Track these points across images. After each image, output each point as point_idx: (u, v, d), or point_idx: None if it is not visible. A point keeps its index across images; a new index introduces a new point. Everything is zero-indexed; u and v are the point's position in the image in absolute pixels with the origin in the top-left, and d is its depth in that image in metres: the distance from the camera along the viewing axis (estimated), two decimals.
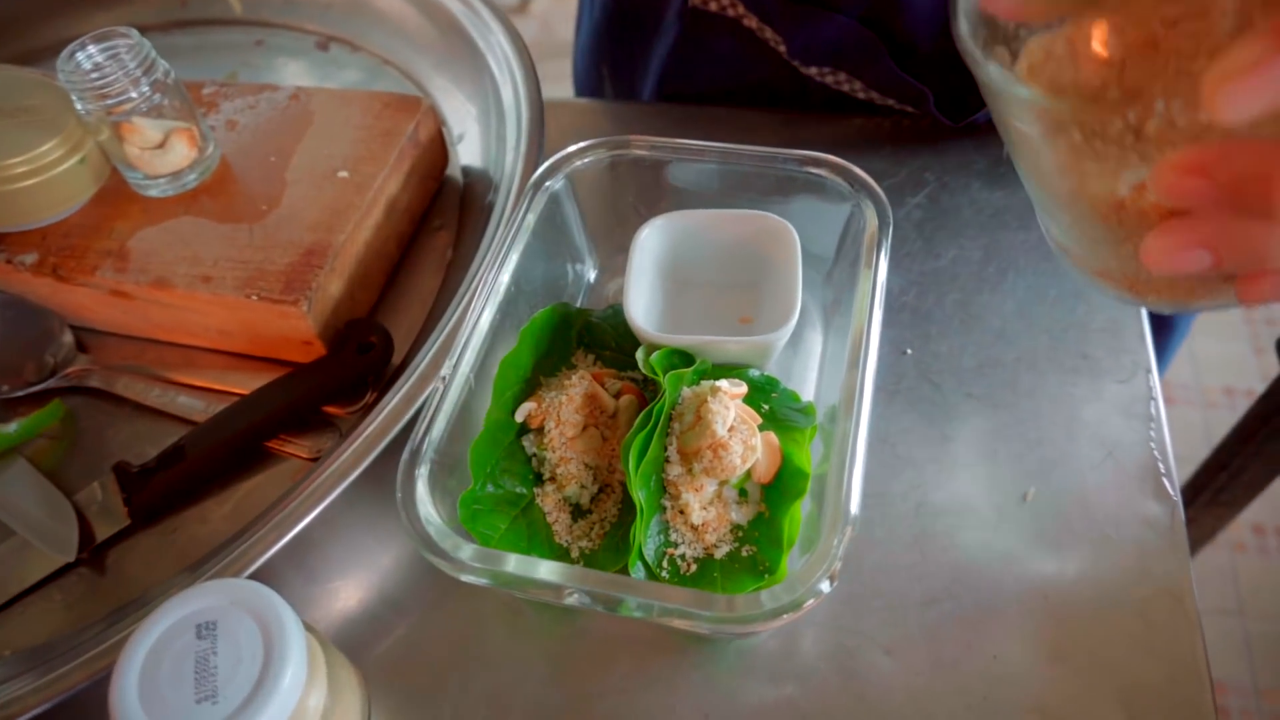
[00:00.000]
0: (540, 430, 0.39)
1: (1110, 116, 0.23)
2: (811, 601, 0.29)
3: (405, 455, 0.34)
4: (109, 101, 0.44)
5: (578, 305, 0.46)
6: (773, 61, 0.56)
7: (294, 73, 0.64)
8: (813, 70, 0.55)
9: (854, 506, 0.31)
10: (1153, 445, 0.40)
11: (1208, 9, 0.20)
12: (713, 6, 0.55)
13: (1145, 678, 0.34)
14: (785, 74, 0.56)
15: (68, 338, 0.47)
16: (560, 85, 0.72)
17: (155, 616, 0.29)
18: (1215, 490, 0.61)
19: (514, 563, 0.31)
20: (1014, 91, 0.24)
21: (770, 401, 0.40)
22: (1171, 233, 0.22)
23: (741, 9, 0.54)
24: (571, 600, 0.31)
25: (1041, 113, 0.24)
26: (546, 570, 0.31)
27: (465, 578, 0.31)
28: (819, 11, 0.51)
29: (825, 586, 0.29)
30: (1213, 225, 0.22)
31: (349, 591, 0.40)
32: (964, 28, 0.25)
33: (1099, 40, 0.23)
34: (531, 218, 0.42)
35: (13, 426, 0.44)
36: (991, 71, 0.24)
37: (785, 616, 0.29)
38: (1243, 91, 0.18)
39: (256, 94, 0.52)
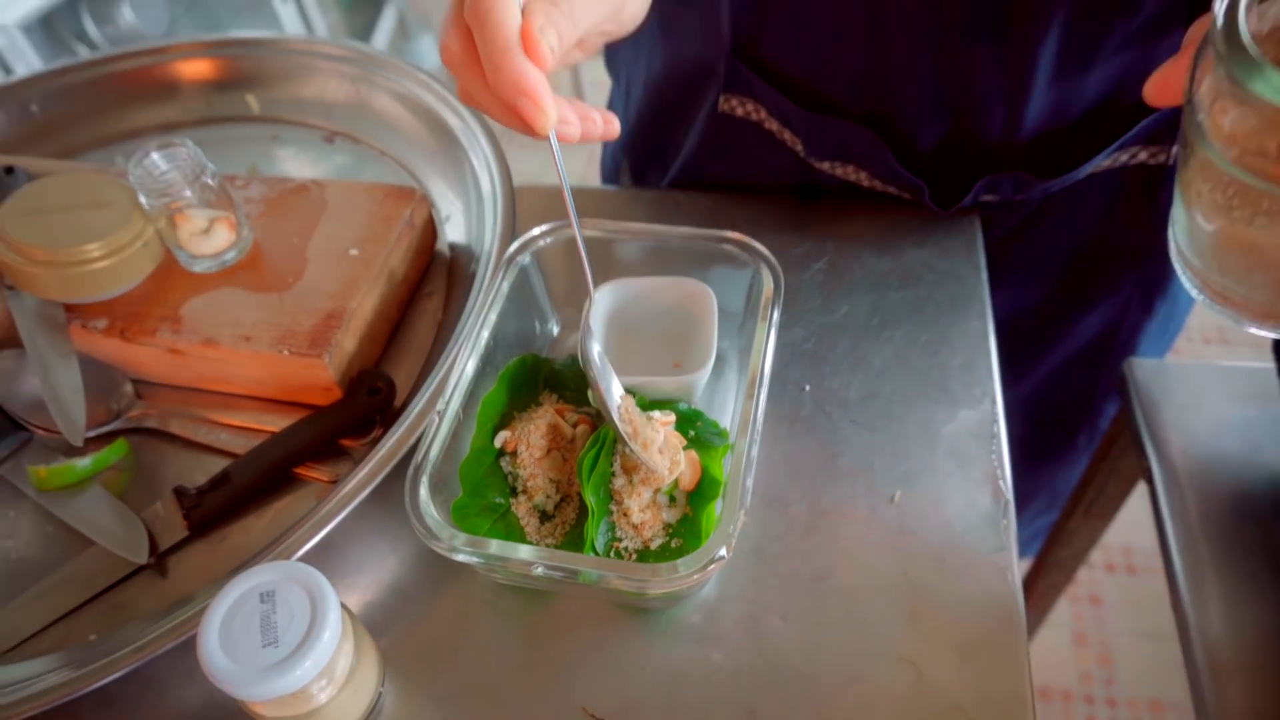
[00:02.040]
0: (514, 453, 0.50)
1: None
2: (713, 566, 0.40)
3: (411, 470, 0.44)
4: (168, 198, 0.55)
5: (544, 355, 0.57)
6: (789, 157, 0.66)
7: (304, 162, 0.76)
8: (824, 165, 0.65)
9: (746, 499, 0.42)
10: (993, 457, 0.52)
11: None
12: (739, 112, 0.65)
13: (976, 630, 0.45)
14: (799, 167, 0.66)
15: (128, 387, 0.58)
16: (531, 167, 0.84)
17: (229, 587, 0.40)
18: (1087, 504, 0.72)
19: (496, 546, 0.42)
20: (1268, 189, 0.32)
21: (695, 428, 0.51)
22: None
23: (764, 114, 0.64)
24: (539, 572, 0.41)
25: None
26: (523, 551, 0.42)
27: (459, 557, 0.42)
28: (832, 118, 0.61)
29: (724, 553, 0.40)
30: None
31: (364, 585, 0.50)
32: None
33: None
34: (506, 285, 0.53)
35: (86, 461, 0.54)
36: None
37: (695, 576, 0.40)
38: None
39: (281, 185, 0.64)
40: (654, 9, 0.59)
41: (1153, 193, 0.65)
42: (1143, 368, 0.62)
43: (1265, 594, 0.52)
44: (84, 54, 1.70)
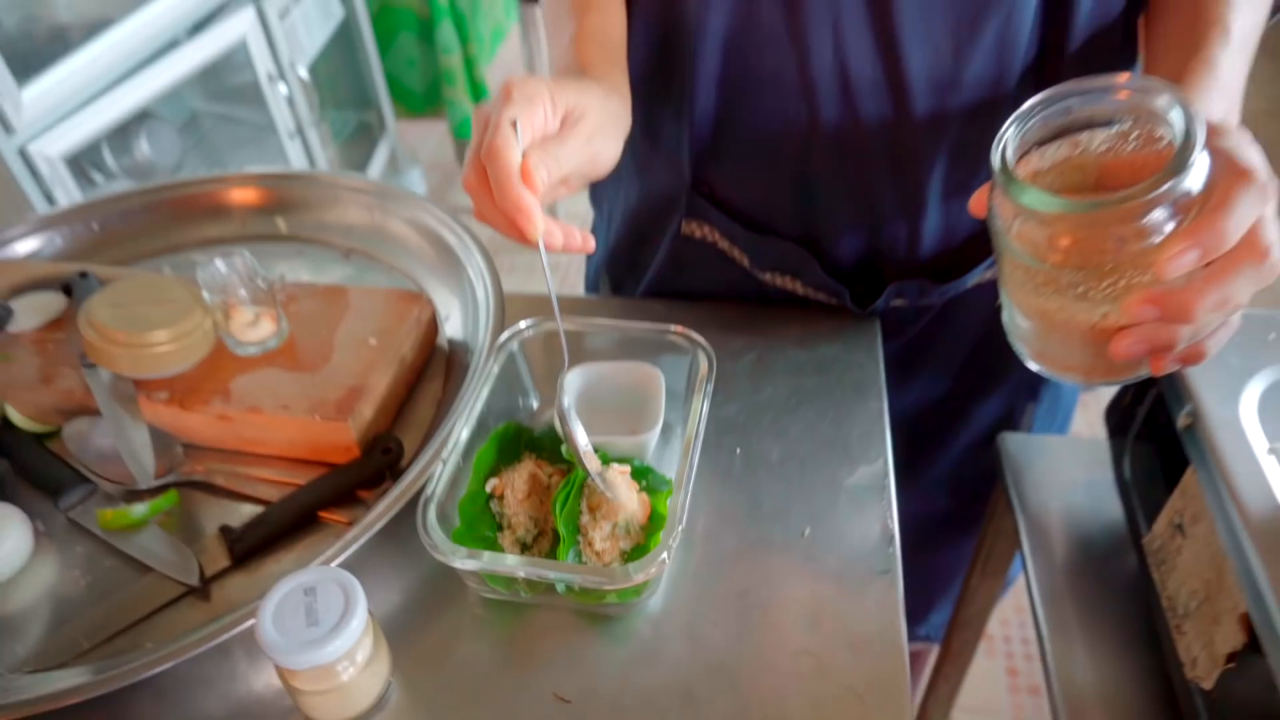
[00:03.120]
0: (501, 496, 0.62)
1: (1103, 281, 0.45)
2: (655, 568, 0.52)
3: (422, 501, 0.57)
4: (226, 295, 0.69)
5: (526, 425, 0.70)
6: (738, 270, 0.81)
7: (323, 274, 0.90)
8: (766, 275, 0.80)
9: (683, 517, 0.54)
10: (884, 503, 0.65)
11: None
12: (697, 234, 0.81)
13: (866, 632, 0.57)
14: (746, 278, 0.81)
15: (179, 449, 0.70)
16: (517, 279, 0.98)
17: (282, 582, 0.51)
18: (983, 563, 0.85)
19: (487, 556, 0.54)
20: (1043, 268, 0.47)
21: (647, 479, 0.64)
22: (1129, 336, 0.46)
23: (717, 235, 0.80)
24: (522, 575, 0.53)
25: (1061, 284, 0.47)
26: (509, 560, 0.54)
27: (458, 564, 0.53)
28: (772, 238, 0.77)
29: (665, 557, 0.52)
30: (1149, 329, 0.45)
31: (376, 605, 0.61)
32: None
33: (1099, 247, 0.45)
34: (496, 367, 0.67)
35: (143, 507, 0.65)
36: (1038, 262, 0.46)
37: (643, 575, 0.52)
38: (1176, 264, 0.42)
39: (313, 289, 0.78)
40: (631, 154, 0.75)
41: None
42: (1013, 440, 0.76)
43: (1110, 616, 0.65)
44: (100, 180, 1.86)
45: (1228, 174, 0.44)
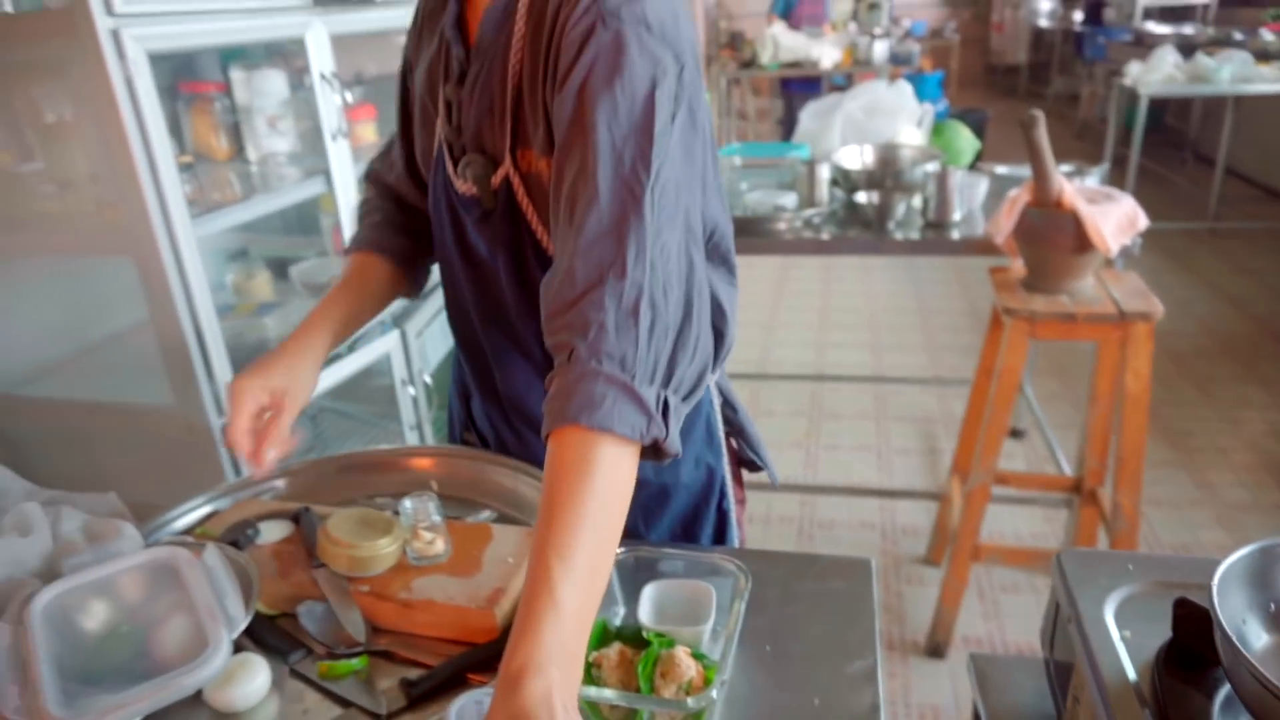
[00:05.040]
0: (600, 665, 0.89)
1: None
2: (705, 701, 0.78)
3: None
4: (417, 522, 1.01)
5: (615, 624, 0.97)
6: None
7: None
8: None
9: (725, 675, 0.81)
10: (873, 686, 0.89)
11: None
12: None
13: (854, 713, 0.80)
14: None
15: (370, 627, 0.98)
16: None
17: (461, 696, 0.78)
18: None
19: (593, 690, 0.80)
20: None
21: (702, 660, 0.90)
22: None
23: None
24: (617, 701, 0.79)
25: None
26: (608, 693, 0.80)
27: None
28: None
29: (713, 693, 0.78)
30: None
31: None
32: None
33: None
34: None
35: (344, 665, 0.93)
36: None
37: (696, 704, 0.77)
38: None
39: (468, 524, 1.10)
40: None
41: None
42: (980, 659, 1.00)
43: None
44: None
45: None
